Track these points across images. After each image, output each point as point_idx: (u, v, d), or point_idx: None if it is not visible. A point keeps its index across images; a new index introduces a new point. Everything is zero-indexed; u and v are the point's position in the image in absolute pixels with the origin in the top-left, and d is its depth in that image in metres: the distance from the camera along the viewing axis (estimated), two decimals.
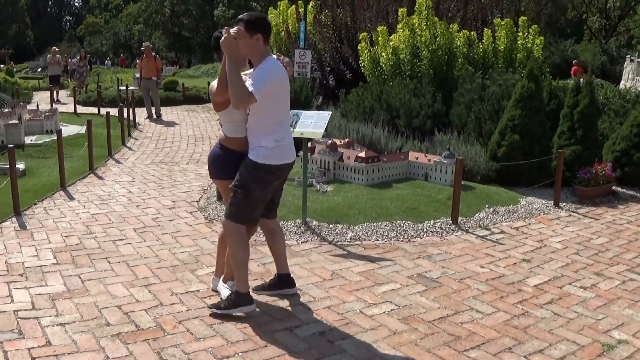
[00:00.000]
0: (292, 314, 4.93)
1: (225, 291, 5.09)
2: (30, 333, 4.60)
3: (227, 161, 4.83)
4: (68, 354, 4.30)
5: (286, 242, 6.45)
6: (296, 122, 6.84)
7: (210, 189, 9.30)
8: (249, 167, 4.66)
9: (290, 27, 17.08)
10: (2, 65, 46.84)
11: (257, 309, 4.96)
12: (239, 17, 4.68)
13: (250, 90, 4.41)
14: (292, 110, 7.13)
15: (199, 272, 5.89)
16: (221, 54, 4.59)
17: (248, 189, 4.65)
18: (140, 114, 18.12)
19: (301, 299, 5.21)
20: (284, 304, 5.11)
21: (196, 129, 16.47)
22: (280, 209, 7.38)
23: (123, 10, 73.29)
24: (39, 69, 47.35)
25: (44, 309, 5.00)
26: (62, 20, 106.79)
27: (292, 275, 5.38)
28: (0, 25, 79.17)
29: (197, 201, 8.62)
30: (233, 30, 4.43)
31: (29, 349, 4.35)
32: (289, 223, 7.21)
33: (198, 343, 4.45)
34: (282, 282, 5.25)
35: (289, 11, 17.85)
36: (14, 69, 46.45)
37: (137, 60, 24.09)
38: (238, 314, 4.83)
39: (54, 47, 28.14)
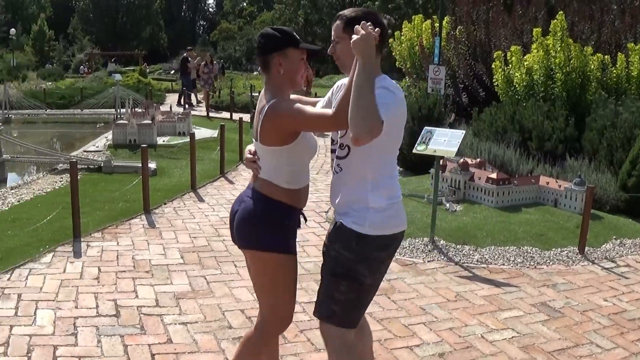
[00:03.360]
0: (414, 332, 5.11)
1: None
2: (152, 329, 5.09)
3: (274, 222, 3.47)
4: (188, 352, 4.71)
5: (413, 259, 6.85)
6: (429, 140, 7.05)
7: None
8: (349, 242, 3.33)
9: (424, 42, 17.40)
10: (135, 66, 50.40)
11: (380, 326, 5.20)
12: (339, 13, 3.42)
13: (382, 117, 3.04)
14: (426, 127, 7.41)
15: None
16: (275, 61, 3.37)
17: (356, 276, 3.35)
18: None
19: (424, 319, 5.38)
20: (406, 321, 5.31)
21: (327, 139, 16.87)
22: (408, 226, 7.59)
23: (257, 17, 76.46)
24: (172, 72, 50.49)
25: (168, 307, 5.49)
26: (195, 24, 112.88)
27: (416, 293, 5.44)
28: (135, 26, 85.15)
29: (325, 212, 8.99)
30: (369, 27, 3.03)
31: (149, 345, 4.81)
32: (417, 240, 7.46)
33: (318, 354, 4.70)
34: None
35: (423, 25, 18.15)
36: (147, 70, 49.91)
37: None
38: None
39: (190, 50, 28.30)
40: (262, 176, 3.48)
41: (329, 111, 3.18)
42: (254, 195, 3.49)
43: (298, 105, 3.26)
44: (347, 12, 3.34)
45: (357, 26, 3.02)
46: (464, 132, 7.23)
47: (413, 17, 19.10)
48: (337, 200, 3.44)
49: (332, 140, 3.58)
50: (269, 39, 3.38)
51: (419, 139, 7.23)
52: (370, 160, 3.30)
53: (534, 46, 13.91)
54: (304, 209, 3.61)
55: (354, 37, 3.01)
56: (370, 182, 3.31)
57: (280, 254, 3.46)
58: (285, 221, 3.47)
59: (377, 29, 3.05)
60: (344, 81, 3.41)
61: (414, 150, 7.25)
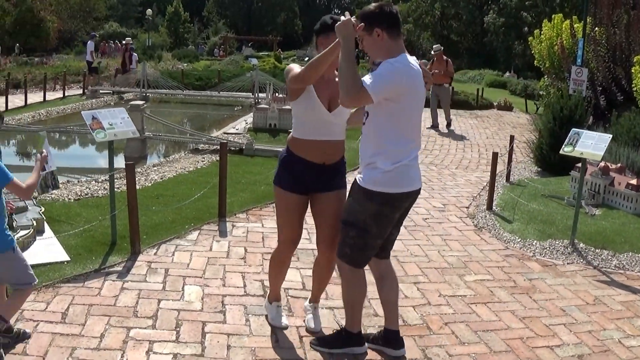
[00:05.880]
0: (555, 333, 5.22)
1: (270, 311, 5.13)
2: (299, 312, 5.32)
3: (285, 164, 4.63)
4: None
5: (553, 260, 6.94)
6: (576, 141, 7.29)
7: (480, 196, 9.76)
8: (359, 196, 4.20)
9: (564, 42, 17.08)
10: (269, 52, 51.66)
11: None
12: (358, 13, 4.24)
13: (364, 84, 3.93)
14: (573, 129, 7.55)
15: (467, 278, 6.34)
16: (319, 41, 4.40)
17: (363, 226, 4.22)
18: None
19: (564, 320, 5.49)
20: (547, 321, 5.42)
21: (465, 134, 16.92)
22: (549, 227, 7.90)
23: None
24: (307, 58, 51.41)
25: None
26: (331, 12, 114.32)
27: (556, 294, 5.48)
28: (269, 11, 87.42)
29: (466, 207, 9.12)
30: (354, 20, 4.03)
31: (297, 327, 5.04)
32: (557, 242, 7.56)
33: (462, 347, 4.90)
34: (387, 340, 4.71)
35: (563, 25, 17.77)
36: (282, 56, 51.09)
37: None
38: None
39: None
40: None
41: (298, 69, 4.36)
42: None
43: (294, 66, 4.48)
44: (362, 10, 4.21)
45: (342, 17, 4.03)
46: (610, 136, 7.37)
47: (553, 16, 18.77)
48: (360, 161, 4.27)
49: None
50: (322, 23, 4.46)
51: (566, 140, 7.45)
52: (381, 126, 4.09)
53: None
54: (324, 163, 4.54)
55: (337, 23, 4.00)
56: (381, 146, 4.09)
57: (280, 188, 4.63)
58: (287, 162, 4.59)
59: (356, 20, 4.04)
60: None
61: (561, 151, 7.47)
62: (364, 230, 4.22)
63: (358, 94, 3.90)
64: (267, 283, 5.75)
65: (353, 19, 4.00)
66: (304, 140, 4.51)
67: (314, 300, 5.12)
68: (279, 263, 4.96)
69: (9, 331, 4.47)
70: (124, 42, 29.09)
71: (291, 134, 4.63)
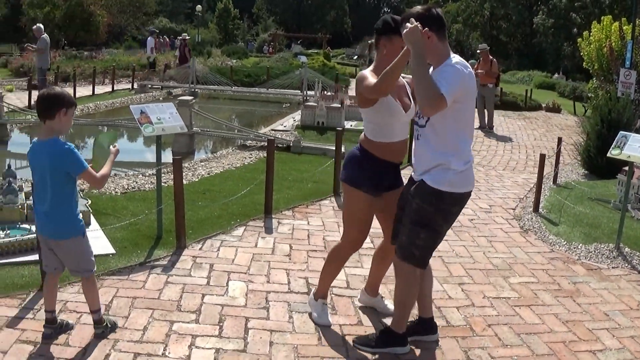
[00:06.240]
0: (598, 337, 5.18)
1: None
2: (343, 310, 5.31)
3: (363, 166, 4.71)
4: None
5: (598, 264, 6.89)
6: (624, 144, 7.23)
7: (527, 198, 9.68)
8: (430, 197, 4.23)
9: (613, 44, 16.82)
10: (318, 49, 51.74)
11: (564, 327, 5.22)
12: (403, 15, 4.34)
13: (442, 91, 3.95)
14: (621, 132, 7.52)
15: (512, 280, 6.29)
16: (380, 42, 4.56)
17: (435, 227, 4.32)
18: None
19: (607, 324, 5.44)
20: (590, 325, 5.38)
21: (512, 135, 16.81)
22: (594, 230, 7.87)
23: (442, 7, 76.13)
24: (355, 57, 51.39)
25: (358, 290, 5.64)
26: (380, 10, 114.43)
27: (600, 298, 5.44)
28: (319, 9, 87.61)
29: (512, 209, 9.04)
30: (419, 25, 4.04)
31: (340, 325, 5.04)
32: (602, 246, 7.49)
33: (504, 349, 4.88)
34: (426, 328, 4.90)
35: (612, 27, 17.51)
36: (331, 54, 51.18)
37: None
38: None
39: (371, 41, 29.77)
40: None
41: (372, 79, 4.38)
42: (358, 144, 4.77)
43: (368, 74, 4.48)
44: (410, 13, 4.20)
45: (406, 23, 4.05)
46: None
47: (602, 18, 18.56)
48: (419, 162, 4.34)
49: (417, 113, 4.42)
50: (384, 24, 4.54)
51: (614, 143, 7.39)
52: (450, 127, 4.14)
53: None
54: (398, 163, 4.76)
55: (404, 31, 4.02)
56: (451, 147, 4.16)
57: (357, 189, 4.67)
58: (365, 164, 4.66)
59: (418, 23, 3.98)
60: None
61: (608, 154, 7.43)
62: (435, 231, 4.33)
63: (438, 102, 3.92)
64: (312, 280, 5.81)
65: (419, 24, 4.00)
66: (386, 143, 4.61)
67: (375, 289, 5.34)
68: (340, 260, 5.08)
69: (52, 322, 4.55)
70: (180, 37, 29.39)
71: (366, 137, 4.68)
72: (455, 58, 4.15)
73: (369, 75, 4.46)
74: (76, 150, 4.31)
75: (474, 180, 4.40)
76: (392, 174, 4.76)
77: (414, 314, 4.92)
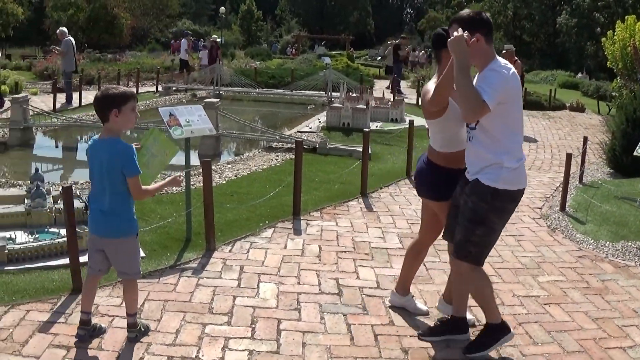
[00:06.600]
0: (627, 334, 5.20)
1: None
2: (374, 311, 5.33)
3: (434, 179, 4.84)
4: (410, 336, 4.92)
5: (625, 262, 6.89)
6: None
7: (553, 197, 9.65)
8: (486, 195, 4.37)
9: (637, 44, 16.71)
10: (342, 50, 51.76)
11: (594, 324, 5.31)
12: (453, 17, 4.47)
13: (484, 98, 4.12)
14: None
15: (540, 279, 6.30)
16: (441, 54, 4.66)
17: (490, 224, 4.45)
18: None
19: (636, 321, 5.47)
20: (620, 322, 5.41)
21: (537, 135, 16.75)
22: (621, 229, 7.90)
23: (465, 7, 76.03)
24: (379, 58, 51.38)
25: (389, 290, 5.66)
26: (403, 12, 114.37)
27: (629, 295, 5.47)
28: (342, 10, 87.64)
29: (539, 208, 9.02)
30: (466, 34, 4.19)
31: (372, 325, 5.06)
32: (629, 244, 7.52)
33: (535, 347, 4.91)
34: (457, 327, 4.92)
35: (636, 27, 17.41)
36: (354, 55, 51.22)
37: None
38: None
39: (404, 38, 29.88)
40: (429, 142, 4.92)
41: (430, 94, 4.57)
42: (425, 158, 4.95)
43: (430, 88, 4.62)
44: (459, 17, 4.36)
45: (450, 30, 4.30)
46: None
47: (626, 17, 18.45)
48: (472, 163, 4.47)
49: None
50: (440, 37, 4.63)
51: None
52: (499, 127, 4.29)
53: None
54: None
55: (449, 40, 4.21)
56: (502, 146, 4.31)
57: (439, 201, 4.86)
58: (441, 177, 4.79)
59: (465, 31, 4.15)
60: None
61: (635, 153, 7.53)
62: (491, 228, 4.46)
63: (480, 110, 4.11)
64: (342, 281, 5.89)
65: (465, 34, 4.16)
66: (457, 152, 4.71)
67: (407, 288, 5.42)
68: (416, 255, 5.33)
69: (87, 323, 4.60)
70: (211, 39, 29.48)
71: (436, 150, 4.82)
72: (500, 61, 4.30)
73: (431, 89, 4.60)
74: (135, 153, 4.39)
75: (526, 178, 4.51)
76: (462, 177, 4.75)
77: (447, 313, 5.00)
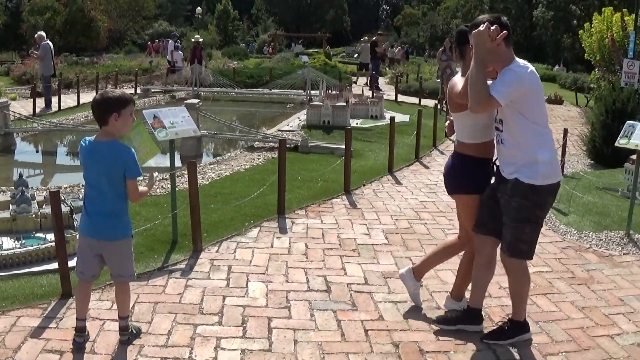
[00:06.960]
0: (614, 322, 5.31)
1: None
2: (363, 306, 5.39)
3: (466, 171, 4.89)
4: (400, 330, 4.99)
5: (609, 252, 7.03)
6: (631, 134, 7.37)
7: None
8: (527, 193, 4.48)
9: (614, 35, 16.95)
10: (318, 49, 51.78)
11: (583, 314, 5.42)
12: (472, 22, 4.58)
13: (492, 93, 4.32)
14: (628, 122, 7.67)
15: (530, 270, 6.25)
16: (465, 50, 4.77)
17: (536, 219, 4.60)
18: None
19: (622, 309, 5.58)
20: (606, 311, 5.52)
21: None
22: (604, 219, 8.03)
23: (441, 3, 76.37)
24: (355, 55, 51.55)
25: (377, 286, 5.77)
26: (379, 8, 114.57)
27: (614, 284, 5.62)
28: (318, 8, 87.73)
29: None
30: (494, 27, 4.35)
31: (362, 321, 5.12)
32: (612, 233, 7.67)
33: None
34: (472, 318, 5.05)
35: (613, 18, 17.66)
36: (331, 53, 51.29)
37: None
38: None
39: (380, 35, 30.18)
40: (456, 137, 4.97)
41: (459, 88, 4.68)
42: (453, 154, 4.99)
43: (457, 81, 4.77)
44: (481, 20, 4.46)
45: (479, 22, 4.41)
46: None
47: (603, 9, 18.72)
48: (507, 164, 4.59)
49: (495, 118, 4.68)
50: (463, 33, 4.76)
51: (621, 132, 7.53)
52: (523, 125, 4.44)
53: None
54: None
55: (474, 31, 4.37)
56: (532, 141, 4.44)
57: (468, 195, 4.89)
58: (471, 169, 4.85)
59: (494, 26, 4.33)
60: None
61: (616, 144, 7.55)
62: (537, 224, 4.62)
63: (486, 101, 4.32)
64: (330, 278, 5.95)
65: (494, 27, 4.34)
66: (485, 142, 4.83)
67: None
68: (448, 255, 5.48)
69: (83, 330, 4.59)
70: (193, 40, 29.32)
71: (464, 142, 4.86)
72: (518, 61, 4.46)
73: (458, 82, 4.76)
74: (135, 155, 4.39)
75: (560, 169, 4.70)
76: (492, 168, 4.89)
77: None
